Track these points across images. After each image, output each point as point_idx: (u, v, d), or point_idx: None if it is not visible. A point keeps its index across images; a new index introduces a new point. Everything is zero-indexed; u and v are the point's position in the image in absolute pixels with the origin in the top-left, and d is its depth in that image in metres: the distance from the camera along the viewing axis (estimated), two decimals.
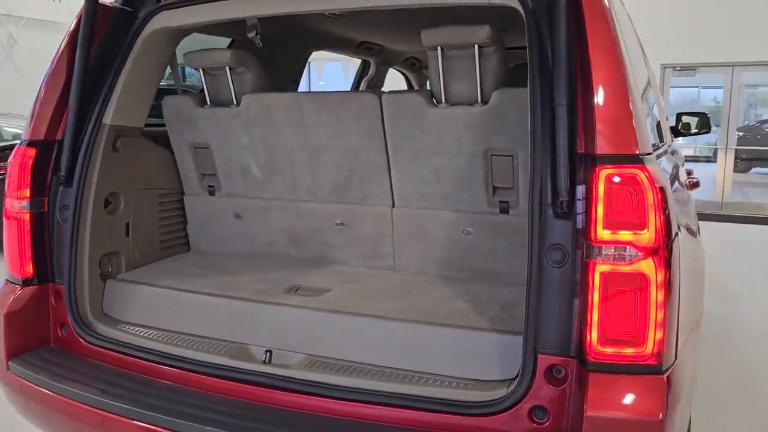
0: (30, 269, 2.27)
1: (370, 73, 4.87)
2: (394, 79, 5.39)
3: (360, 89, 4.89)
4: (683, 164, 3.56)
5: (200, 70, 2.65)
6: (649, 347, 1.55)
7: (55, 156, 2.30)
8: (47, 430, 2.20)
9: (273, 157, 2.64)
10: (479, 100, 2.24)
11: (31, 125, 2.30)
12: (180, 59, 2.91)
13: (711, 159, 14.36)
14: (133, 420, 1.89)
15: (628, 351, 1.56)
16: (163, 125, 2.80)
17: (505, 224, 2.33)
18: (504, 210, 2.34)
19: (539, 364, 1.66)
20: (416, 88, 5.30)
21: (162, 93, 2.86)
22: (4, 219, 2.32)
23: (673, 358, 1.62)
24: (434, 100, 2.32)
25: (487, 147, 2.26)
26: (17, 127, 7.91)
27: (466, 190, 2.36)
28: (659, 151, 2.07)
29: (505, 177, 2.29)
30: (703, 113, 4.72)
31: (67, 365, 2.16)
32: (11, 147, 4.58)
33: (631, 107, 1.60)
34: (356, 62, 5.10)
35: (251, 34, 2.61)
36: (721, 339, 4.61)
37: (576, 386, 1.63)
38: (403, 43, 4.42)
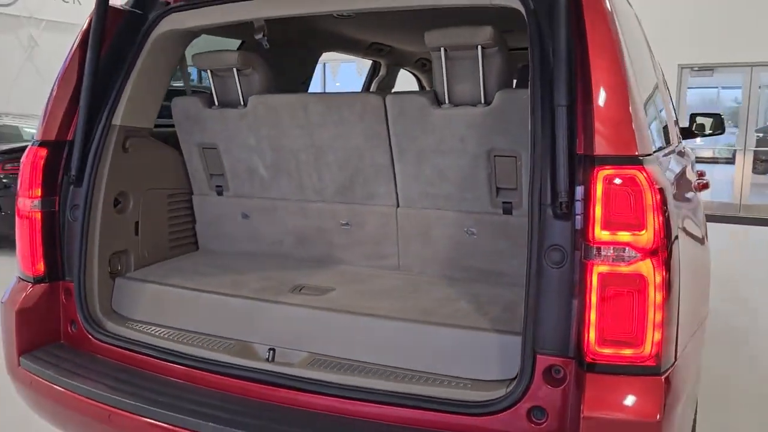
0: (41, 267, 2.31)
1: (380, 74, 4.89)
2: (407, 81, 5.41)
3: (371, 91, 4.91)
4: (694, 166, 3.54)
5: (208, 71, 2.68)
6: (648, 348, 1.55)
7: (65, 156, 2.34)
8: (56, 425, 2.24)
9: (279, 157, 2.67)
10: (482, 101, 2.25)
11: (43, 126, 2.34)
12: (189, 61, 2.95)
13: (730, 160, 14.16)
14: (139, 415, 1.92)
15: (627, 352, 1.56)
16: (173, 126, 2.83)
17: (509, 225, 2.33)
18: (507, 211, 2.34)
19: (538, 364, 1.66)
20: (428, 89, 5.31)
21: (173, 94, 2.90)
22: (16, 218, 2.37)
23: (673, 360, 1.62)
24: (438, 101, 2.33)
25: (490, 148, 2.27)
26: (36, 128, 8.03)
27: (470, 190, 2.37)
28: (664, 152, 2.07)
29: (508, 178, 2.30)
30: (718, 114, 4.67)
31: (76, 361, 2.20)
32: None
33: (630, 108, 1.60)
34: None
35: (258, 36, 2.64)
36: (732, 340, 4.57)
37: (574, 387, 1.63)
38: (413, 44, 4.43)
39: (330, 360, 1.99)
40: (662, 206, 1.55)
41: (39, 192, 2.30)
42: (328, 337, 2.05)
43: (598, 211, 1.56)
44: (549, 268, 1.65)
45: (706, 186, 3.10)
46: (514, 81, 4.64)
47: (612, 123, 1.59)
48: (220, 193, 2.88)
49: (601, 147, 1.58)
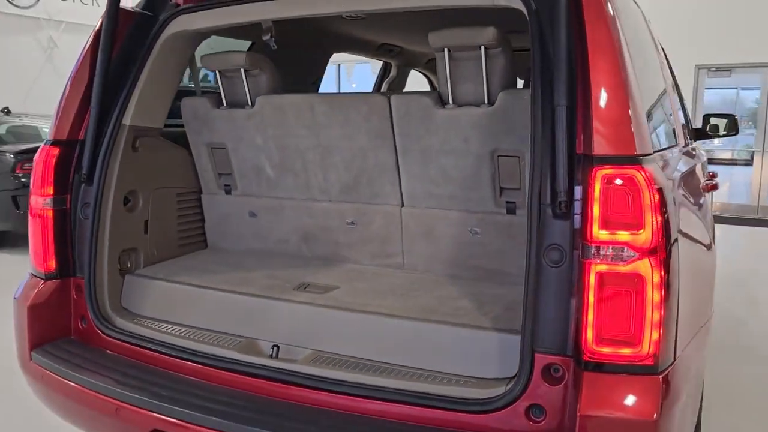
0: (53, 264, 2.36)
1: (391, 75, 4.91)
2: (417, 82, 5.42)
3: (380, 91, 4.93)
4: (705, 167, 3.51)
5: (216, 72, 2.72)
6: (646, 347, 1.55)
7: (77, 155, 2.38)
8: (66, 418, 2.28)
9: (286, 157, 2.70)
10: (486, 101, 2.26)
11: (55, 125, 2.39)
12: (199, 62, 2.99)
13: (749, 162, 14.00)
14: (145, 410, 1.96)
15: (625, 351, 1.56)
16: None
17: (512, 224, 2.34)
18: (511, 210, 2.35)
19: (536, 362, 1.67)
20: None
21: (186, 94, 2.94)
22: (29, 215, 2.42)
23: (672, 359, 1.62)
24: (442, 101, 2.34)
25: (493, 148, 2.28)
26: None
27: (474, 190, 2.38)
28: (668, 152, 2.06)
29: (511, 178, 2.31)
30: (731, 115, 4.63)
31: (85, 356, 2.24)
32: None
33: (630, 108, 1.61)
34: None
35: (266, 37, 2.67)
36: (743, 342, 4.53)
37: (573, 385, 1.63)
38: (423, 45, 4.44)
39: (333, 357, 2.01)
40: (661, 206, 1.56)
41: (51, 190, 2.34)
42: (331, 334, 2.08)
43: (597, 210, 1.57)
44: (548, 267, 1.66)
45: (714, 187, 3.08)
46: (523, 81, 4.64)
47: (611, 123, 1.60)
48: (228, 192, 2.92)
49: (599, 147, 1.59)
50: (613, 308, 1.57)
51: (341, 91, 14.09)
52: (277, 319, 2.18)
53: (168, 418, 1.91)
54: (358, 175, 2.59)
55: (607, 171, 1.57)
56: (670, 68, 3.50)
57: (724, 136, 4.71)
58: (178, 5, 2.45)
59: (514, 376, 1.73)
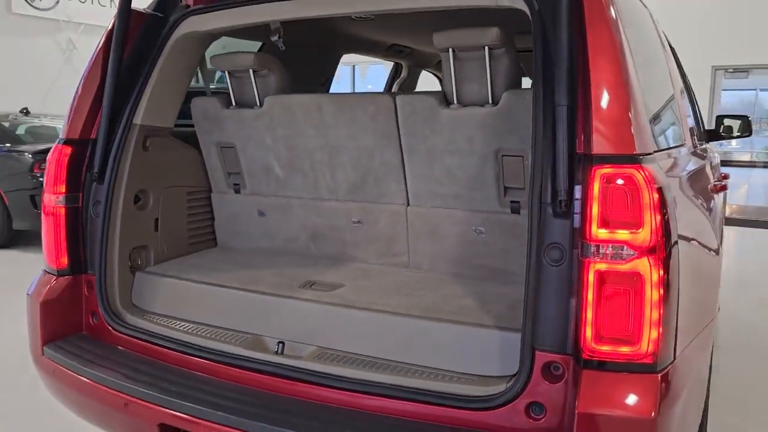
0: (65, 261, 2.40)
1: (402, 76, 4.93)
2: (429, 82, 5.43)
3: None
4: (715, 167, 3.49)
5: (226, 72, 2.76)
6: (645, 346, 1.55)
7: (89, 154, 2.43)
8: (76, 412, 2.32)
9: (294, 156, 2.73)
10: (490, 101, 2.27)
11: (68, 124, 2.43)
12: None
13: None
14: (153, 404, 2.00)
15: (624, 349, 1.57)
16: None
17: (516, 224, 2.35)
18: (515, 210, 2.36)
19: (536, 360, 1.68)
20: None
21: (198, 95, 2.98)
22: (42, 213, 2.47)
23: (671, 359, 1.62)
24: (447, 101, 2.36)
25: (497, 147, 2.29)
26: None
27: (478, 189, 2.40)
28: (672, 152, 2.06)
29: (515, 177, 2.32)
30: (745, 116, 4.60)
31: (96, 352, 2.28)
32: None
33: (630, 108, 1.61)
34: None
35: (274, 38, 2.70)
36: (756, 345, 4.49)
37: (573, 383, 1.64)
38: (432, 46, 4.45)
39: (337, 354, 2.04)
40: (661, 205, 1.56)
41: (63, 188, 2.38)
42: (335, 331, 2.10)
43: (596, 209, 1.57)
44: (548, 266, 1.67)
45: (724, 188, 3.06)
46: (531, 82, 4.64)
47: (610, 122, 1.60)
48: (237, 191, 2.95)
49: (599, 146, 1.60)
50: (612, 307, 1.57)
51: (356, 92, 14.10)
52: (283, 316, 2.21)
53: (175, 413, 1.94)
54: (364, 175, 2.62)
55: (607, 170, 1.58)
56: (681, 69, 3.49)
57: (737, 137, 4.68)
58: (188, 6, 2.48)
59: (515, 374, 1.75)
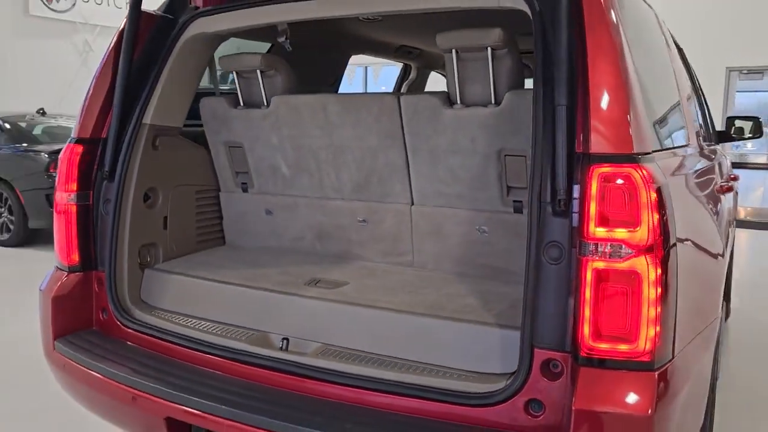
0: (76, 257, 2.45)
1: (411, 77, 4.95)
2: (438, 83, 5.44)
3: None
4: (724, 168, 3.48)
5: (233, 72, 2.80)
6: (642, 344, 1.56)
7: (100, 152, 2.47)
8: (86, 405, 2.36)
9: (300, 156, 2.76)
10: (493, 101, 2.29)
11: (79, 124, 2.49)
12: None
13: None
14: (160, 398, 2.03)
15: (622, 347, 1.58)
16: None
17: (519, 223, 2.36)
18: (518, 209, 2.38)
19: (535, 358, 1.70)
20: None
21: (210, 95, 3.02)
22: (54, 211, 2.52)
23: (669, 357, 1.63)
24: (450, 102, 2.38)
25: (500, 147, 2.31)
26: None
27: (481, 189, 2.41)
28: (674, 152, 2.07)
29: (518, 177, 2.33)
30: (756, 117, 4.59)
31: (106, 347, 2.32)
32: None
33: (629, 108, 1.62)
34: None
35: (281, 39, 2.74)
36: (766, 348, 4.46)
37: (571, 381, 1.65)
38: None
39: (340, 350, 2.06)
40: (659, 204, 1.57)
41: (75, 186, 2.43)
42: (339, 328, 2.13)
43: (593, 208, 1.59)
44: (547, 265, 1.69)
45: (730, 189, 3.06)
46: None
47: (609, 122, 1.62)
48: (245, 190, 2.99)
49: (597, 145, 1.61)
50: (610, 305, 1.58)
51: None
52: (289, 313, 2.24)
53: (182, 407, 1.98)
54: (369, 174, 2.64)
55: (605, 169, 1.59)
56: (689, 69, 3.48)
57: (748, 138, 4.67)
58: (197, 8, 2.53)
59: (514, 372, 1.76)
